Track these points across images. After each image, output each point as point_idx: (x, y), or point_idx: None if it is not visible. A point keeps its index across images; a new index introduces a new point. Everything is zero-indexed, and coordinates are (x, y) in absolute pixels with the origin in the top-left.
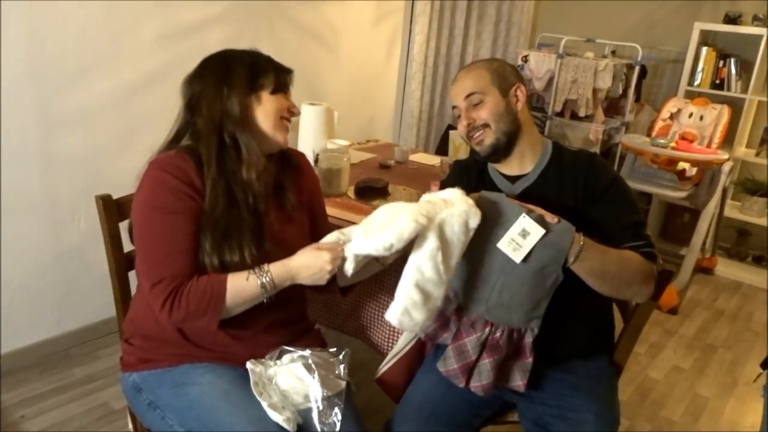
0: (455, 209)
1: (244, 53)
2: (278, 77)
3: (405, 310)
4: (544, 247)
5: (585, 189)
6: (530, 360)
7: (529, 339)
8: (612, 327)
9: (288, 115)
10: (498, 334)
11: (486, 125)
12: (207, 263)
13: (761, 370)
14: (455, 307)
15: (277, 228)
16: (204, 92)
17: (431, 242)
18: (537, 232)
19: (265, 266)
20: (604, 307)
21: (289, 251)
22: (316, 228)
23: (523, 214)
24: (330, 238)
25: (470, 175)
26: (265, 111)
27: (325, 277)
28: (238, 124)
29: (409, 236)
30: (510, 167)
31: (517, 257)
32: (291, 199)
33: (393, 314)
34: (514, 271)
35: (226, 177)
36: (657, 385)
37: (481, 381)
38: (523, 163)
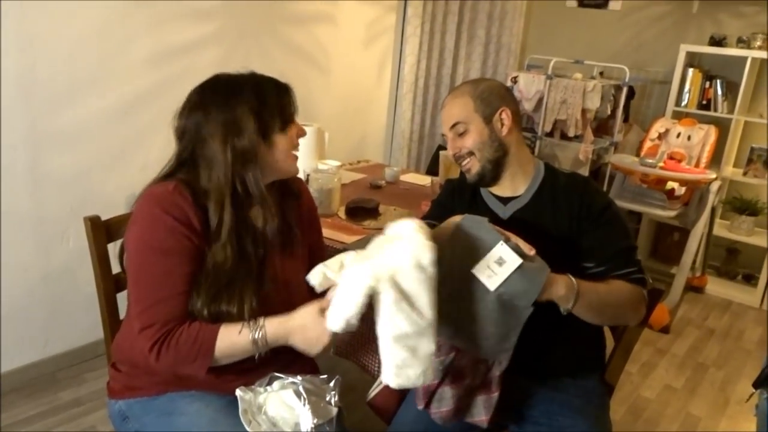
0: (401, 257)
1: (245, 85)
2: (284, 113)
3: (398, 371)
4: (517, 279)
5: (579, 213)
6: (496, 395)
7: (496, 372)
8: (603, 346)
9: (297, 143)
10: (463, 362)
11: (471, 153)
12: (197, 311)
13: (753, 390)
14: None
15: (279, 266)
16: (209, 131)
17: (389, 296)
18: (513, 261)
19: (261, 321)
20: (593, 327)
21: (288, 288)
22: (313, 253)
23: (501, 242)
24: (315, 273)
25: (463, 194)
26: (276, 151)
27: (319, 348)
28: (248, 166)
29: (362, 306)
30: (502, 189)
31: (492, 285)
32: (297, 235)
33: (388, 379)
34: (484, 298)
35: (238, 228)
36: (650, 404)
37: (440, 408)
38: (515, 185)
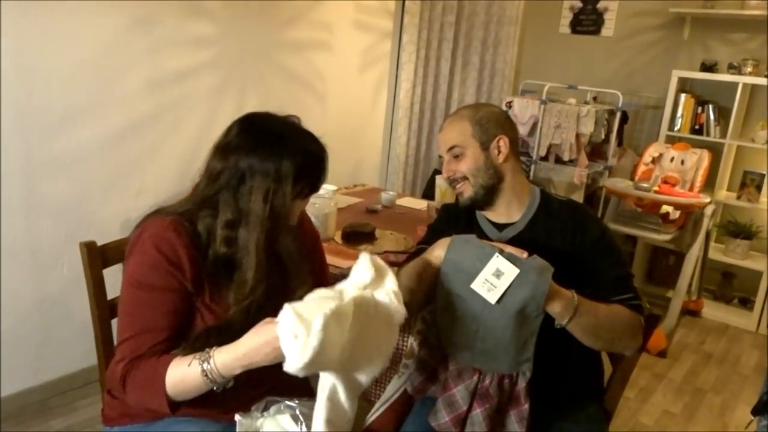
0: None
1: (292, 140)
2: (316, 182)
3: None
4: (521, 287)
5: (573, 240)
6: (526, 407)
7: (522, 384)
8: (601, 373)
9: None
10: (487, 382)
11: (465, 178)
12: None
13: (752, 417)
14: (440, 356)
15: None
16: (253, 183)
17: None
18: (511, 271)
19: (211, 351)
20: (590, 353)
21: None
22: (316, 282)
23: (496, 254)
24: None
25: (458, 220)
26: (292, 213)
27: (274, 348)
28: (276, 226)
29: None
30: (497, 215)
31: (492, 298)
32: (297, 266)
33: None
34: (494, 314)
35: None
36: (648, 430)
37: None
38: (510, 211)
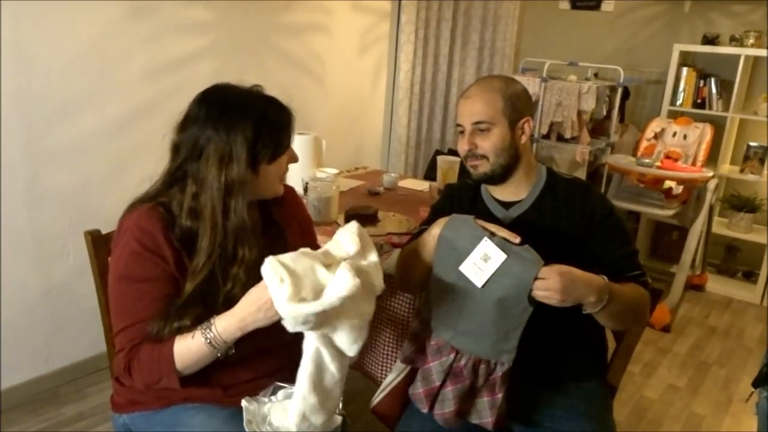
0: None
1: (246, 108)
2: (278, 146)
3: (303, 417)
4: (505, 276)
5: (581, 220)
6: (500, 396)
7: (498, 373)
8: (604, 349)
9: (287, 169)
10: (462, 362)
11: (484, 156)
12: (168, 331)
13: (753, 389)
14: (429, 330)
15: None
16: (207, 152)
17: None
18: (498, 257)
19: (212, 320)
20: (595, 329)
21: None
22: None
23: (485, 238)
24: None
25: (462, 199)
26: (263, 180)
27: (272, 311)
28: (234, 196)
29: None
30: (504, 193)
31: (479, 281)
32: (287, 239)
33: (291, 423)
34: (476, 297)
35: (223, 252)
36: (653, 404)
37: (443, 409)
38: (518, 190)
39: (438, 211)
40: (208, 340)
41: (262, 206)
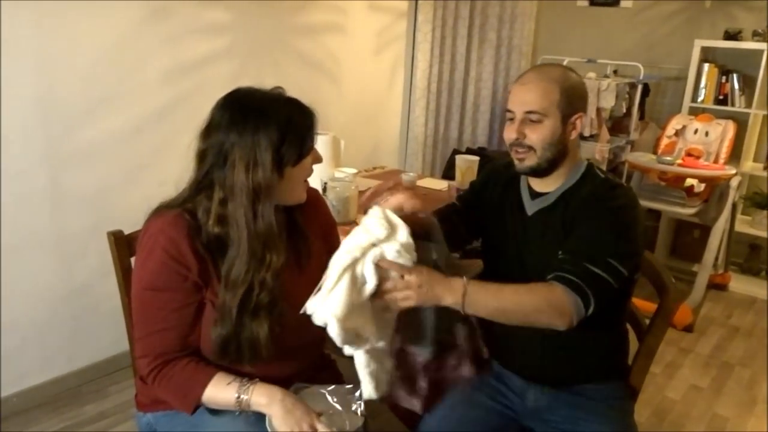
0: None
1: (270, 111)
2: (303, 148)
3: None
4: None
5: (597, 219)
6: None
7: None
8: (624, 352)
9: (311, 171)
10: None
11: (531, 148)
12: (214, 343)
13: None
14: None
15: (290, 281)
16: (233, 158)
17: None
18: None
19: (248, 384)
20: (615, 332)
21: (301, 303)
22: None
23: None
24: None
25: (498, 182)
26: (287, 183)
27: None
28: (263, 200)
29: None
30: (539, 184)
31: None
32: (311, 246)
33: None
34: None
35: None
36: (675, 405)
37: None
38: (553, 183)
39: (474, 189)
40: (239, 402)
41: (287, 210)
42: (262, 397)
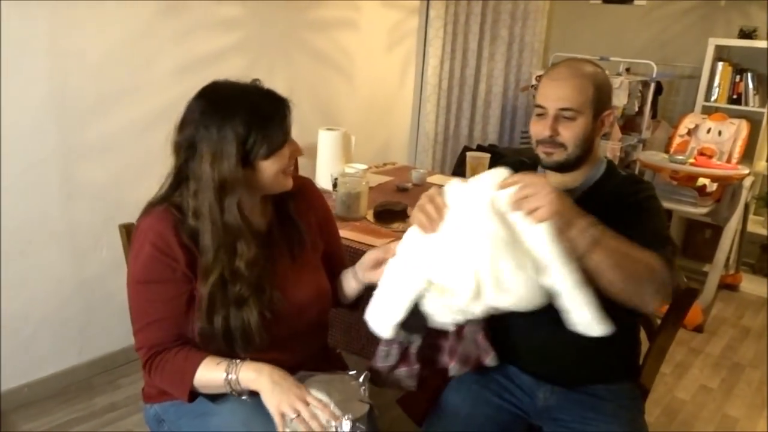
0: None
1: (238, 105)
2: (272, 141)
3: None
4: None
5: (624, 213)
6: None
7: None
8: (636, 352)
9: (289, 164)
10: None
11: (563, 145)
12: (201, 332)
13: None
14: None
15: (282, 272)
16: (200, 150)
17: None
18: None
19: (237, 361)
20: (627, 333)
21: (296, 293)
22: (330, 254)
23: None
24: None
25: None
26: (262, 175)
27: (285, 397)
28: (228, 194)
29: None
30: (560, 180)
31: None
32: (306, 238)
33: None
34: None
35: (228, 251)
36: (685, 406)
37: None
38: (573, 179)
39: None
40: (228, 382)
41: (278, 200)
42: (250, 372)
